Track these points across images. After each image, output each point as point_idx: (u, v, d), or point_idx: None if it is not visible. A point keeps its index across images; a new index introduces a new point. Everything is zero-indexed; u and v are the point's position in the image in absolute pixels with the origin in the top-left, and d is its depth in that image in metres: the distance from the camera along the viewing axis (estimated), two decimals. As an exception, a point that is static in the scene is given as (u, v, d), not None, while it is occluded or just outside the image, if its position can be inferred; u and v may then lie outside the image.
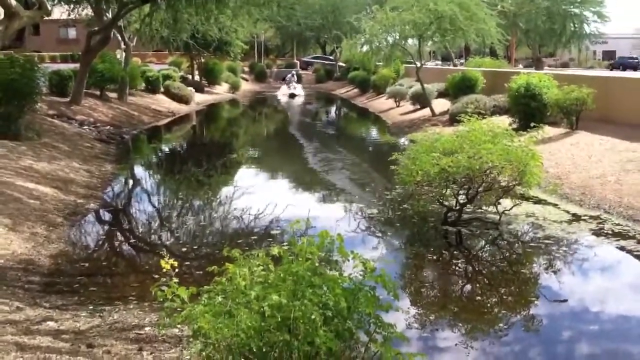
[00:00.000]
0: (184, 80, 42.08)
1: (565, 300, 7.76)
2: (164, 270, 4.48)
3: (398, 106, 33.04)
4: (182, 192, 14.49)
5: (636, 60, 62.04)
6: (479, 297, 7.90)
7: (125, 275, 8.47)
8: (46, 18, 14.60)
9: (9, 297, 6.92)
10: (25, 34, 59.56)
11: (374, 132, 29.54)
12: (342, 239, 4.68)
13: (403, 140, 22.23)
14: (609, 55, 77.45)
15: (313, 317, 3.96)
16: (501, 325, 7.03)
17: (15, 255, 8.52)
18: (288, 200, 12.09)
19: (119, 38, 31.67)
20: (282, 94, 49.47)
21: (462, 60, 55.42)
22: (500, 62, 40.95)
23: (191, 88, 38.85)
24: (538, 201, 12.32)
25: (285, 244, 4.89)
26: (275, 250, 4.62)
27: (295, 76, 53.98)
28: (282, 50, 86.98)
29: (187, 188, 14.93)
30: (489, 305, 7.63)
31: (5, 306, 6.55)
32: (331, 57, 69.10)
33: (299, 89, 50.26)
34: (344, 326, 4.22)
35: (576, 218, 11.20)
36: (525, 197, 11.78)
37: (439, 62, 60.74)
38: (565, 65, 68.29)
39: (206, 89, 45.62)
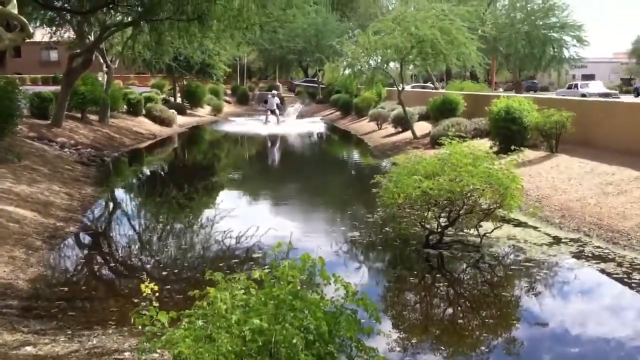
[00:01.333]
0: (166, 102, 42.09)
1: (546, 324, 7.78)
2: (144, 294, 4.44)
3: (380, 129, 33.20)
4: (163, 215, 14.40)
5: None
6: (460, 320, 7.90)
7: (105, 299, 8.38)
8: (28, 40, 14.51)
9: (-14, 322, 6.82)
10: (6, 56, 59.29)
11: (356, 155, 29.61)
12: (323, 262, 4.67)
13: (385, 163, 22.30)
14: (587, 79, 78.45)
15: (294, 341, 3.94)
16: (483, 348, 7.04)
17: (-7, 279, 8.41)
18: (269, 223, 12.03)
19: (101, 60, 31.64)
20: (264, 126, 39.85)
21: (443, 84, 55.89)
22: (481, 86, 41.36)
23: (173, 110, 38.80)
24: (519, 224, 12.40)
25: (266, 267, 4.87)
26: (256, 274, 4.60)
27: (277, 98, 42.54)
28: (264, 72, 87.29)
29: (168, 211, 14.85)
30: (470, 328, 7.63)
31: (-18, 331, 6.46)
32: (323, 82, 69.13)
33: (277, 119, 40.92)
34: (325, 350, 4.19)
35: (556, 241, 11.27)
36: (506, 220, 11.89)
37: (426, 84, 61.14)
38: (545, 89, 69.05)
39: (188, 111, 45.60)
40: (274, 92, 43.60)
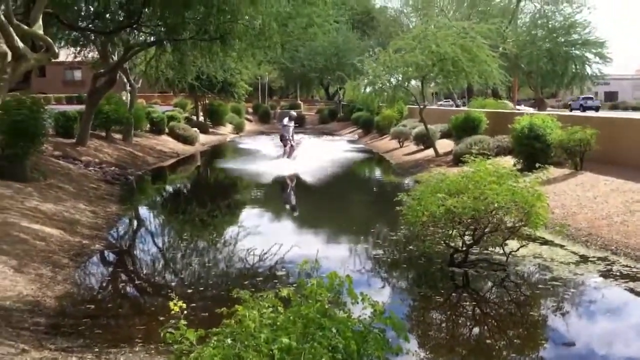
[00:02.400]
0: (188, 121, 42.39)
1: (573, 344, 7.68)
2: (172, 311, 4.45)
3: (401, 147, 33.19)
4: (186, 232, 14.45)
5: None
6: (487, 340, 7.82)
7: (131, 317, 8.41)
8: (52, 60, 14.75)
9: (15, 339, 6.87)
10: (32, 75, 60.14)
11: (378, 173, 29.57)
12: (351, 280, 4.66)
13: (407, 181, 22.25)
14: (610, 96, 77.87)
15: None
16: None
17: (21, 296, 8.48)
18: (293, 241, 12.06)
19: (125, 80, 32.00)
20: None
21: (465, 101, 55.76)
22: (504, 104, 41.17)
23: (195, 129, 39.09)
24: (544, 242, 12.29)
25: (293, 285, 4.86)
26: (284, 292, 4.60)
27: (292, 121, 29.17)
28: (285, 91, 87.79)
29: (192, 229, 14.90)
30: (497, 348, 7.54)
31: (11, 348, 6.50)
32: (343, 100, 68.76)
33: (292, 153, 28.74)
34: (354, 369, 4.17)
35: (583, 259, 11.15)
36: (531, 238, 11.77)
37: (450, 102, 60.84)
38: (567, 106, 68.58)
39: (210, 129, 45.93)
40: (291, 113, 30.06)
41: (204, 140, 39.99)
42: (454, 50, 25.44)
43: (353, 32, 65.07)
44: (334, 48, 63.80)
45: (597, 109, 57.57)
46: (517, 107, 50.73)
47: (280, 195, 21.37)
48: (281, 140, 28.31)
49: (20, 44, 12.98)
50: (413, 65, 27.19)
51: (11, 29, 12.64)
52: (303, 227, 15.53)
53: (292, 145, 27.88)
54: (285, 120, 28.27)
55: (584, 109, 57.12)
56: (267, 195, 21.08)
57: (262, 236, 13.26)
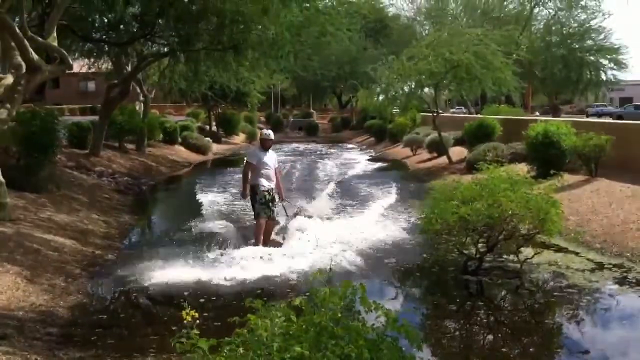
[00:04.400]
0: (201, 130, 42.60)
1: (588, 352, 7.57)
2: (185, 321, 4.42)
3: (414, 154, 33.13)
4: (198, 242, 14.39)
5: None
6: (502, 348, 7.73)
7: (143, 327, 8.39)
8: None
9: (27, 350, 6.87)
10: (46, 87, 60.60)
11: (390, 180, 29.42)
12: (364, 289, 4.60)
13: (420, 189, 22.14)
14: (625, 102, 77.41)
15: (335, 369, 3.88)
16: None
17: (34, 306, 8.49)
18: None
19: (138, 90, 32.18)
20: None
21: (478, 108, 55.63)
22: (518, 110, 40.98)
23: (208, 138, 39.26)
24: (559, 249, 12.19)
25: (306, 294, 4.81)
26: (297, 301, 4.56)
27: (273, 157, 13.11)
28: (298, 100, 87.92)
29: (205, 238, 14.85)
30: (511, 356, 7.46)
31: (23, 359, 6.50)
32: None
33: None
34: (367, 379, 4.12)
35: (599, 266, 11.03)
36: (546, 246, 11.68)
37: (463, 109, 60.58)
38: (582, 112, 68.28)
39: (223, 139, 46.08)
40: (268, 136, 12.83)
41: (217, 149, 40.09)
42: (468, 58, 25.42)
43: (366, 40, 65.05)
44: (347, 56, 63.83)
45: (619, 116, 53.37)
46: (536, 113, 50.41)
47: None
48: (254, 204, 12.30)
49: (35, 56, 13.09)
50: (426, 72, 27.17)
51: (26, 41, 12.74)
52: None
53: (272, 217, 12.44)
54: (264, 156, 12.44)
55: (599, 116, 56.57)
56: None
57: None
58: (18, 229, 11.92)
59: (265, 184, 12.12)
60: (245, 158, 12.94)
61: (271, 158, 12.46)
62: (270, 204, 12.15)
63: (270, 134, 12.82)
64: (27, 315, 8.09)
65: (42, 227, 12.72)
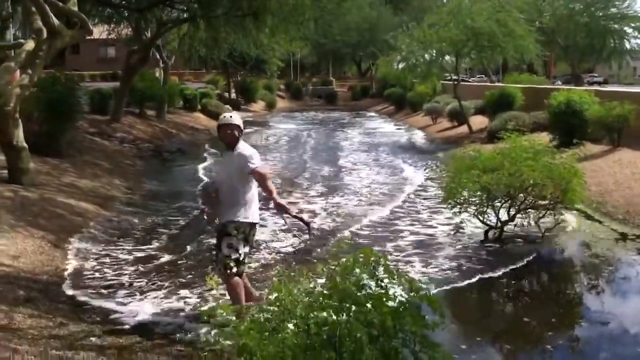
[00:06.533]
0: (220, 98, 42.59)
1: (609, 323, 7.53)
2: (208, 286, 4.47)
3: (435, 123, 32.95)
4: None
5: None
6: (523, 318, 7.73)
7: (166, 287, 8.48)
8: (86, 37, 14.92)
9: (53, 313, 6.98)
10: (66, 53, 60.68)
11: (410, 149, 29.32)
12: (386, 258, 4.61)
13: (441, 158, 22.08)
14: (649, 71, 76.39)
15: (359, 335, 3.90)
16: (546, 346, 6.87)
17: (58, 270, 8.62)
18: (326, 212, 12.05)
19: (158, 57, 32.16)
20: None
21: (499, 77, 55.08)
22: (540, 79, 40.50)
23: (228, 106, 39.23)
24: (581, 219, 12.11)
25: (328, 261, 4.82)
26: (319, 268, 4.58)
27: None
28: (317, 68, 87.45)
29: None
30: (532, 325, 7.45)
31: (49, 321, 6.61)
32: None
33: None
34: (389, 345, 4.15)
35: (622, 237, 10.97)
36: (568, 215, 11.60)
37: (484, 77, 60.10)
38: (605, 81, 67.46)
39: (242, 106, 46.05)
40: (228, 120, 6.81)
41: (236, 117, 40.09)
42: (490, 25, 25.10)
43: (386, 6, 64.45)
44: (367, 23, 63.30)
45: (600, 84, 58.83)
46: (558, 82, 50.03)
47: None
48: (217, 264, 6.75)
49: (56, 21, 13.10)
50: (447, 40, 26.89)
51: (46, 5, 12.74)
52: (336, 207, 15.43)
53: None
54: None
55: (590, 84, 57.27)
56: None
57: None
58: (42, 193, 12.04)
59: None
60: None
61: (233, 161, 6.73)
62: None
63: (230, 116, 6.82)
64: (52, 279, 8.21)
65: (65, 192, 12.85)
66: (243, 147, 6.65)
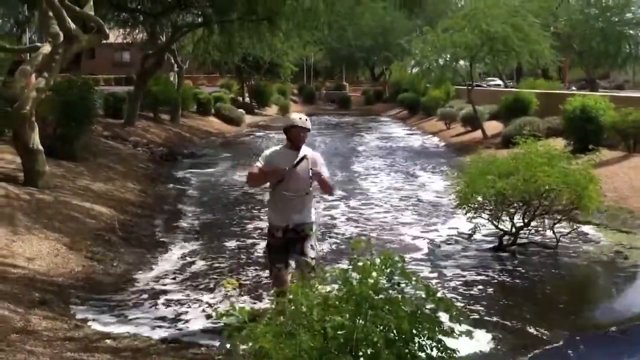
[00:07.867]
0: (234, 102, 42.65)
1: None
2: (225, 290, 4.47)
3: (448, 128, 32.85)
4: (232, 211, 14.50)
5: None
6: (537, 320, 7.67)
7: (182, 292, 8.49)
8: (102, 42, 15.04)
9: (67, 315, 7.01)
10: (82, 57, 61.03)
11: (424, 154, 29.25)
12: (404, 261, 4.59)
13: (454, 163, 22.01)
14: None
15: (375, 339, 3.89)
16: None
17: (73, 273, 8.65)
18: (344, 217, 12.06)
19: (172, 61, 32.30)
20: None
21: (514, 82, 54.84)
22: (555, 84, 40.29)
23: (241, 110, 39.35)
24: (596, 226, 12.03)
25: (345, 263, 4.81)
26: (336, 271, 4.56)
27: None
28: (331, 72, 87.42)
29: (238, 205, 14.97)
30: (545, 329, 7.40)
31: (64, 323, 6.64)
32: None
33: None
34: (406, 350, 4.13)
35: (635, 245, 10.89)
36: (583, 222, 11.52)
37: (498, 82, 59.69)
38: (620, 87, 66.94)
39: (256, 110, 46.15)
40: None
41: (250, 121, 40.17)
42: (505, 29, 25.03)
43: (400, 11, 64.33)
44: (381, 28, 63.14)
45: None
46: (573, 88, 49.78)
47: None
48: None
49: (72, 25, 13.19)
50: (462, 44, 26.83)
51: (63, 10, 12.83)
52: (351, 213, 15.43)
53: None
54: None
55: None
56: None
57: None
58: (56, 196, 12.10)
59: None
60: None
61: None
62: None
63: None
64: (67, 282, 8.24)
65: (80, 195, 12.91)
66: (306, 149, 6.59)
